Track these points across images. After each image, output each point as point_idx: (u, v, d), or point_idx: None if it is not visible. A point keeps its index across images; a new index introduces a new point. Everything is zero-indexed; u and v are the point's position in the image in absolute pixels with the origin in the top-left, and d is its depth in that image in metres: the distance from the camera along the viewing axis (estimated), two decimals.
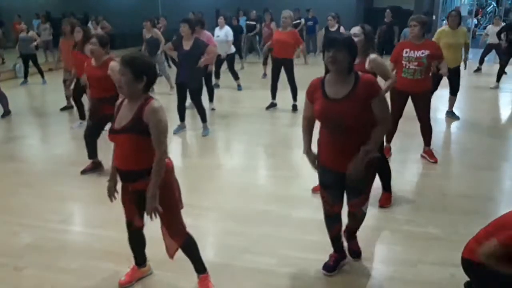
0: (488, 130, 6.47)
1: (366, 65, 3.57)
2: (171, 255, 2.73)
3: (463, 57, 6.74)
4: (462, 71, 6.82)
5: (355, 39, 3.17)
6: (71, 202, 4.32)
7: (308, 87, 2.79)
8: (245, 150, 5.86)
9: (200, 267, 2.83)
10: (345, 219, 3.05)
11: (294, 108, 7.50)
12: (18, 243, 3.50)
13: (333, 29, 8.94)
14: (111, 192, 2.76)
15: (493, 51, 10.86)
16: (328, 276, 3.00)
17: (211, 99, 7.69)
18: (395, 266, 3.13)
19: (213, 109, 7.63)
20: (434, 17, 15.59)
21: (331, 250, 3.09)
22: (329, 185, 2.84)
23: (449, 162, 5.30)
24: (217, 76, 9.31)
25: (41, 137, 6.89)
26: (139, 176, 2.52)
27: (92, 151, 4.85)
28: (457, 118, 6.93)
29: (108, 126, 3.37)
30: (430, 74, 4.94)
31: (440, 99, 7.22)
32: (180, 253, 2.74)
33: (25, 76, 10.47)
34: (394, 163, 4.98)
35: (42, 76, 10.36)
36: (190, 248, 2.76)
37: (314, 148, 2.90)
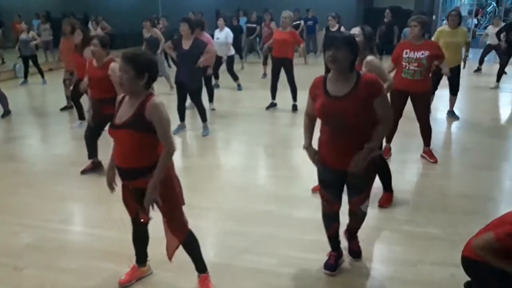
0: (488, 130, 6.47)
1: (363, 67, 3.55)
2: (171, 254, 2.72)
3: (463, 56, 6.74)
4: (462, 71, 6.82)
5: None
6: (71, 202, 4.32)
7: (311, 85, 2.79)
8: (245, 150, 5.86)
9: (201, 266, 2.83)
10: (345, 219, 3.06)
11: (294, 108, 7.50)
12: (18, 243, 3.50)
13: (334, 29, 8.93)
14: (110, 182, 2.75)
15: (493, 51, 10.87)
16: (328, 276, 3.00)
17: (211, 99, 7.69)
18: (395, 266, 3.13)
19: (213, 109, 7.63)
20: (434, 17, 15.59)
21: (330, 249, 3.09)
22: (329, 183, 2.84)
23: (449, 162, 5.30)
24: (216, 76, 9.31)
25: (41, 137, 6.89)
26: (139, 174, 2.52)
27: (92, 151, 4.86)
28: (457, 118, 6.93)
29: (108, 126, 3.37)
30: (430, 75, 4.94)
31: (440, 99, 7.22)
32: (180, 253, 2.74)
33: (25, 76, 10.48)
34: (394, 163, 4.99)
35: (42, 76, 10.37)
36: (191, 245, 2.76)
37: (315, 146, 2.90)
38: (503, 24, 11.13)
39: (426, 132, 5.05)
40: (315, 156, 2.88)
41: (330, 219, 2.97)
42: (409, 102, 4.91)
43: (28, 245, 3.46)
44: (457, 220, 3.70)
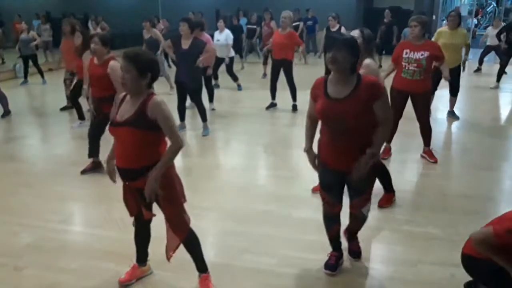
0: (488, 130, 6.47)
1: (361, 70, 3.54)
2: (170, 254, 2.72)
3: (462, 57, 6.73)
4: (462, 72, 6.81)
5: None
6: (71, 202, 4.32)
7: (312, 87, 2.79)
8: (245, 150, 5.86)
9: (201, 266, 2.83)
10: (346, 220, 3.06)
11: (294, 108, 7.50)
12: (18, 243, 3.50)
13: (334, 29, 8.94)
14: (111, 173, 2.74)
15: (493, 51, 10.86)
16: (328, 276, 3.00)
17: (211, 99, 7.69)
18: (395, 266, 3.13)
19: (213, 109, 7.64)
20: (434, 17, 15.59)
21: (330, 249, 3.09)
22: (330, 185, 2.84)
23: (449, 162, 5.31)
24: (216, 77, 9.31)
25: (41, 137, 6.89)
26: (139, 174, 2.52)
27: (93, 149, 4.85)
28: (457, 118, 6.93)
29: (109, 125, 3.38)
30: (431, 75, 4.93)
31: (440, 99, 7.22)
32: (180, 253, 2.73)
33: (25, 76, 10.47)
34: (394, 163, 5.00)
35: (42, 76, 10.36)
36: (193, 244, 2.76)
37: (315, 149, 2.90)
38: (503, 24, 11.12)
39: (426, 132, 5.05)
40: (314, 161, 2.89)
41: (331, 220, 2.97)
42: (409, 102, 4.91)
43: (28, 245, 3.46)
44: (457, 220, 3.70)
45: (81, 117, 6.83)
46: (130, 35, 13.41)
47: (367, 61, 3.58)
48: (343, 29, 8.98)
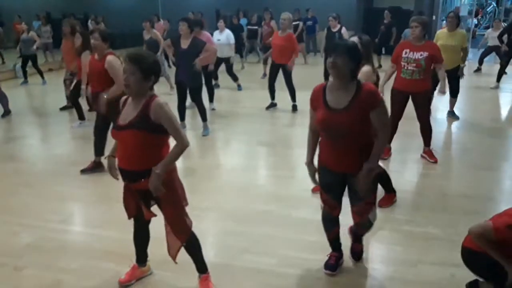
0: (488, 130, 6.47)
1: (358, 77, 3.53)
2: (174, 255, 2.71)
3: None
4: (460, 79, 6.76)
5: None
6: (71, 202, 4.32)
7: (311, 95, 2.79)
8: (245, 150, 5.86)
9: (201, 267, 2.83)
10: (346, 220, 3.05)
11: (294, 108, 7.51)
12: (18, 243, 3.50)
13: (335, 29, 8.94)
14: (112, 169, 2.74)
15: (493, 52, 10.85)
16: (328, 276, 3.00)
17: (211, 99, 7.70)
18: (395, 266, 3.13)
19: (213, 109, 7.64)
20: (434, 17, 15.58)
21: (330, 250, 3.09)
22: (330, 186, 2.84)
23: (449, 162, 5.30)
24: (216, 77, 9.31)
25: (41, 137, 6.89)
26: (141, 177, 2.52)
27: (99, 147, 4.84)
28: (457, 118, 6.93)
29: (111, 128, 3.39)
30: (430, 75, 4.93)
31: (440, 99, 7.19)
32: (180, 253, 2.73)
33: (25, 76, 10.47)
34: (394, 163, 5.00)
35: (42, 76, 10.36)
36: (194, 247, 2.76)
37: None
38: (503, 25, 11.09)
39: (426, 132, 5.05)
40: (314, 176, 2.90)
41: (330, 223, 2.98)
42: (409, 102, 4.91)
43: (28, 245, 3.46)
44: (457, 220, 3.70)
45: (81, 117, 6.84)
46: (130, 35, 13.42)
47: (365, 68, 3.58)
48: (343, 29, 8.98)
